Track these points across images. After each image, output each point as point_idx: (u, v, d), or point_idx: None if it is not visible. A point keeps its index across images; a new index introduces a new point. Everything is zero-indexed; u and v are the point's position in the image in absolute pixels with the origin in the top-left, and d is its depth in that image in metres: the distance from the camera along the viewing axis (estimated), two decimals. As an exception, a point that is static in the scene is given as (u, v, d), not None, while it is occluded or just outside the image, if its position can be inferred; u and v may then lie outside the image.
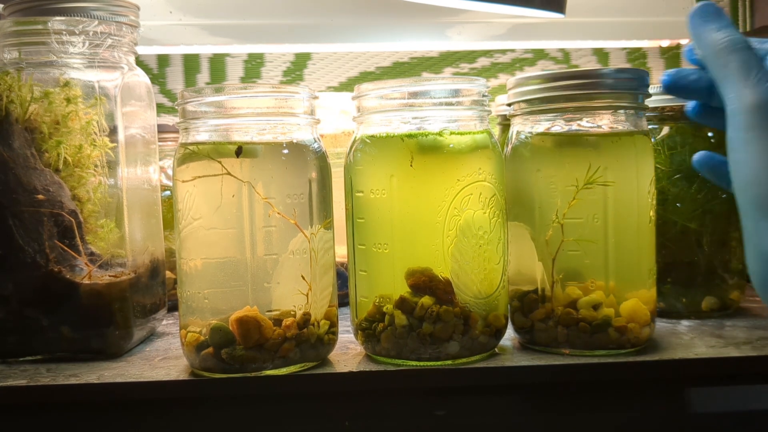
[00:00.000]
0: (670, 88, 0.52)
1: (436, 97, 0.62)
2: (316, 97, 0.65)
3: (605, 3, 1.06)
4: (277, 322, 0.61)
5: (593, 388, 0.62)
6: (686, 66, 0.52)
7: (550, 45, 1.19)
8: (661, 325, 0.73)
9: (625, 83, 0.64)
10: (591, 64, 1.22)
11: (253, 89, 0.63)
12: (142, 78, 0.75)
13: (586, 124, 0.65)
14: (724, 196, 0.76)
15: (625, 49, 1.21)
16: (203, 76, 1.19)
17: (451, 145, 0.62)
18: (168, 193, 0.85)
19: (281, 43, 1.05)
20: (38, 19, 0.68)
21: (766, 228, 0.42)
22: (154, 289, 0.74)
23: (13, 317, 0.66)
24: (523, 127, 0.67)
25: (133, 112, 0.72)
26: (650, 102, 0.69)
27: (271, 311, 0.61)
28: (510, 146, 0.68)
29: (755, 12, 1.21)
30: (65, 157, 0.67)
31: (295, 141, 0.63)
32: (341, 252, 0.68)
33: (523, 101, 0.66)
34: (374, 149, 0.63)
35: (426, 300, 0.61)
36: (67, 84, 0.68)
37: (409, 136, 0.62)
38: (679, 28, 1.08)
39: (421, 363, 0.62)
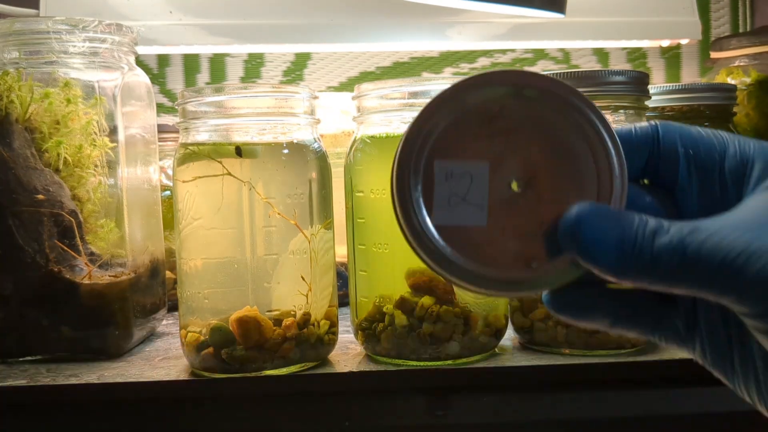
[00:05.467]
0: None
1: (436, 97, 0.62)
2: (316, 97, 0.65)
3: (605, 3, 1.06)
4: (277, 322, 0.61)
5: (593, 388, 0.62)
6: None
7: (550, 45, 1.18)
8: (661, 325, 0.73)
9: (624, 84, 0.64)
10: (591, 64, 1.22)
11: (253, 89, 0.63)
12: (142, 78, 0.75)
13: (586, 124, 0.65)
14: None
15: (625, 49, 1.21)
16: (203, 76, 1.19)
17: (451, 145, 0.62)
18: (168, 193, 0.85)
19: (281, 43, 1.04)
20: (39, 19, 0.68)
21: None
22: (154, 289, 0.74)
23: (13, 317, 0.66)
24: (523, 127, 0.67)
25: (133, 111, 0.72)
26: (650, 102, 0.69)
27: (271, 311, 0.61)
28: (510, 146, 0.68)
29: (755, 12, 1.21)
30: (65, 157, 0.67)
31: (295, 141, 0.63)
32: (341, 252, 0.68)
33: (523, 101, 0.66)
34: (374, 149, 0.63)
35: (426, 300, 0.61)
36: (67, 84, 0.68)
37: (409, 136, 0.62)
38: (679, 28, 1.08)
39: (422, 363, 0.62)
